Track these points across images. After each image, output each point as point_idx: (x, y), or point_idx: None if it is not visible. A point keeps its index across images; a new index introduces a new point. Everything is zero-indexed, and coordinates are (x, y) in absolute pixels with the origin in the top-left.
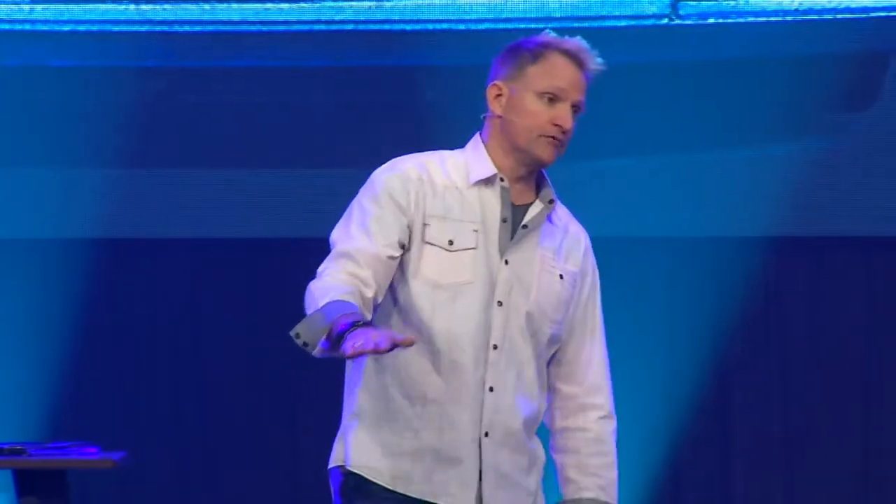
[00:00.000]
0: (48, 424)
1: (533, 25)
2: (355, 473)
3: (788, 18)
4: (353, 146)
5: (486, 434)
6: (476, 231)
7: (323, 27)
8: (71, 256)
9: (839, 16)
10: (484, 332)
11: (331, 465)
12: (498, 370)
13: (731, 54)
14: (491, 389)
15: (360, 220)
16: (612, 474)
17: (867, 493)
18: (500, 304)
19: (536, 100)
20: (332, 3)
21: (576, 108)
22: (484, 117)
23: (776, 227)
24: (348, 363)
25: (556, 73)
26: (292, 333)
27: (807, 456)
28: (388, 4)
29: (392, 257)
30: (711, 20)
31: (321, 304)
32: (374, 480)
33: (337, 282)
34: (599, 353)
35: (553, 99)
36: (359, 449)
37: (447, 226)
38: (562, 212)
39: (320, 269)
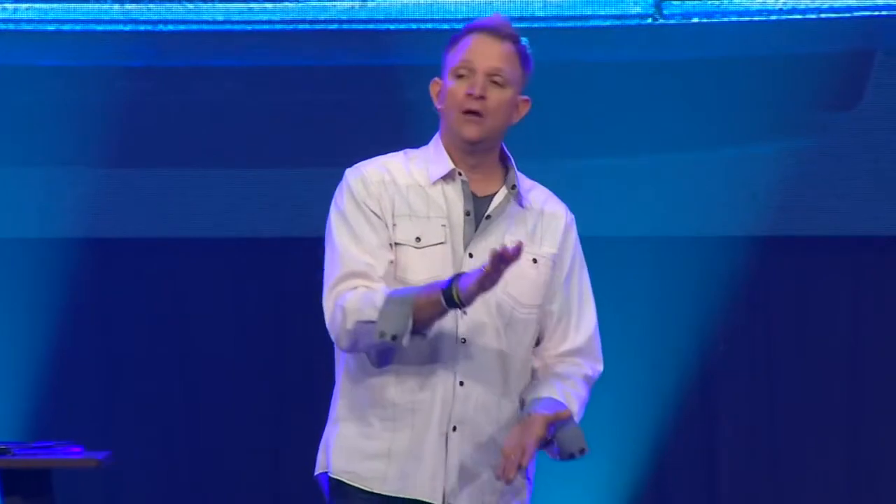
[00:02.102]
0: (33, 424)
1: (517, 25)
2: (335, 479)
3: (772, 18)
4: (336, 145)
5: (455, 429)
6: (444, 226)
7: (307, 27)
8: (55, 256)
9: (823, 15)
10: (452, 327)
11: (315, 472)
12: (468, 364)
13: (715, 54)
14: (461, 384)
15: (351, 234)
16: (579, 393)
17: (853, 493)
18: None
19: (452, 79)
20: (316, 3)
21: (492, 75)
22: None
23: (761, 226)
24: (338, 365)
25: (465, 48)
26: (376, 335)
27: (793, 455)
28: (371, 4)
29: (391, 262)
30: (695, 20)
31: (379, 303)
32: (352, 483)
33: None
34: (576, 327)
35: (467, 73)
36: (338, 454)
37: (413, 223)
38: (538, 193)
39: (335, 292)
